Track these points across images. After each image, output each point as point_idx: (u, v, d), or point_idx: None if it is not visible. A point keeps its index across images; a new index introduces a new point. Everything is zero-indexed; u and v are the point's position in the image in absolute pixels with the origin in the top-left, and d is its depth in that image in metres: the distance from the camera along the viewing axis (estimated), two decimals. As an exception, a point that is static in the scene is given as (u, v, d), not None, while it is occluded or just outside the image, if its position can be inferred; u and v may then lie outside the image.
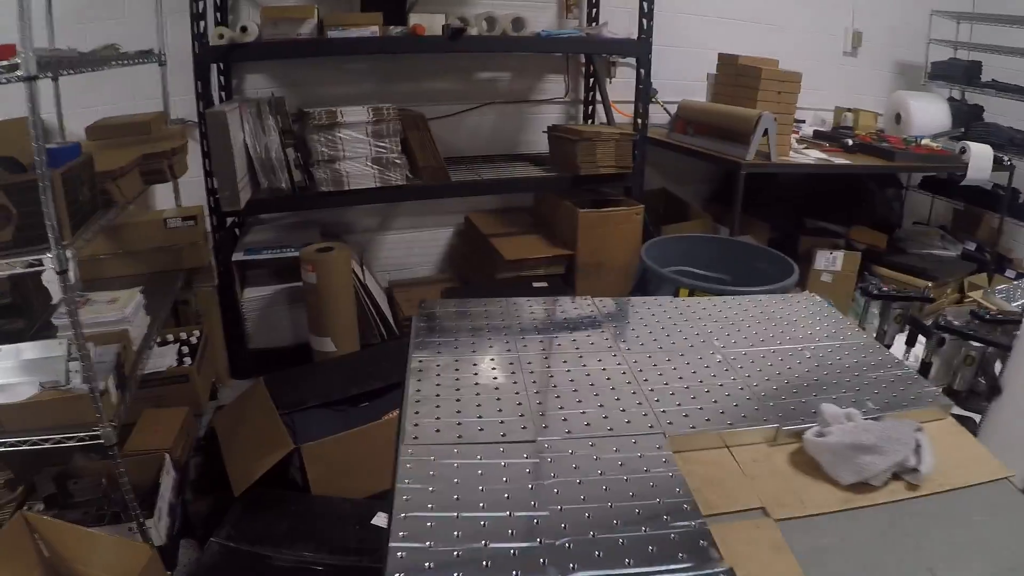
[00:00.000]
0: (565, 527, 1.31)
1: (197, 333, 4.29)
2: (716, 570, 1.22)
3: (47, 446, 2.72)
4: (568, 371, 1.89)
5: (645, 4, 4.88)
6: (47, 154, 2.40)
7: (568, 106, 5.96)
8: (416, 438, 1.58)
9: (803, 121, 6.35)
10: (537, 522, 1.33)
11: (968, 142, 5.83)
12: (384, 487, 3.41)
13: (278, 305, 4.75)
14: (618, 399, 1.74)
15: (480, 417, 1.66)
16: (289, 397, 3.67)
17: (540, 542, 1.28)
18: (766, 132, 4.76)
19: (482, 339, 2.09)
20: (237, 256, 4.59)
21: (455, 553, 1.26)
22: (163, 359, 4.00)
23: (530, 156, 5.70)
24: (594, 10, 5.63)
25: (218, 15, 4.70)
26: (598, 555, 1.26)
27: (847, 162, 5.37)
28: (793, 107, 5.18)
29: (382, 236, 5.75)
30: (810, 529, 1.40)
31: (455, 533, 1.30)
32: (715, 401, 1.74)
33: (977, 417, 2.12)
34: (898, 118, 6.53)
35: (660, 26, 5.28)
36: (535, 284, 4.82)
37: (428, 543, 1.28)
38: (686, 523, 1.33)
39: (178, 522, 3.30)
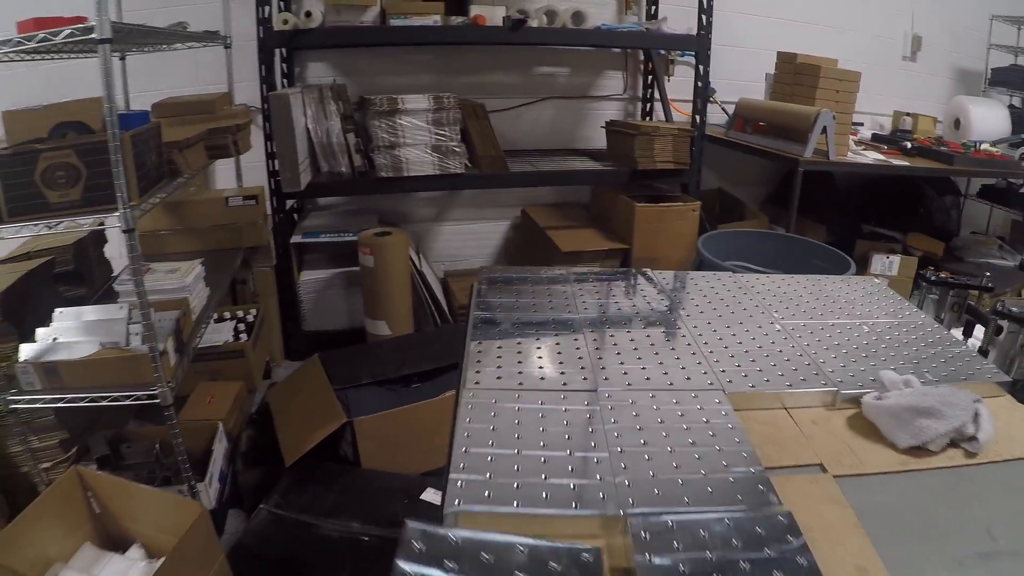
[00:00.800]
0: (624, 466, 1.32)
1: (254, 312, 4.36)
2: (775, 512, 1.22)
3: (105, 403, 2.77)
4: (628, 332, 1.90)
5: (703, 16, 4.87)
6: (118, 119, 2.45)
7: (626, 103, 5.96)
8: (478, 383, 1.60)
9: (861, 124, 6.32)
10: (598, 461, 1.34)
11: (1017, 148, 5.77)
12: (435, 466, 3.44)
13: (334, 288, 4.80)
14: (678, 358, 1.75)
15: (541, 368, 1.67)
16: (343, 374, 3.72)
17: (599, 479, 1.29)
18: (824, 130, 4.72)
19: (542, 302, 2.10)
20: (295, 238, 4.65)
21: (515, 484, 1.27)
22: (219, 335, 4.07)
23: (588, 151, 5.69)
24: (653, 7, 5.61)
25: (281, 2, 4.77)
26: (657, 493, 1.26)
27: (905, 164, 5.31)
28: (851, 106, 5.14)
29: (439, 227, 5.79)
30: (867, 487, 1.39)
31: (515, 467, 1.32)
32: (774, 364, 1.74)
33: None
34: (957, 123, 6.44)
35: (718, 26, 5.26)
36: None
37: (488, 475, 1.29)
38: (745, 469, 1.33)
39: (228, 490, 3.34)
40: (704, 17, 4.89)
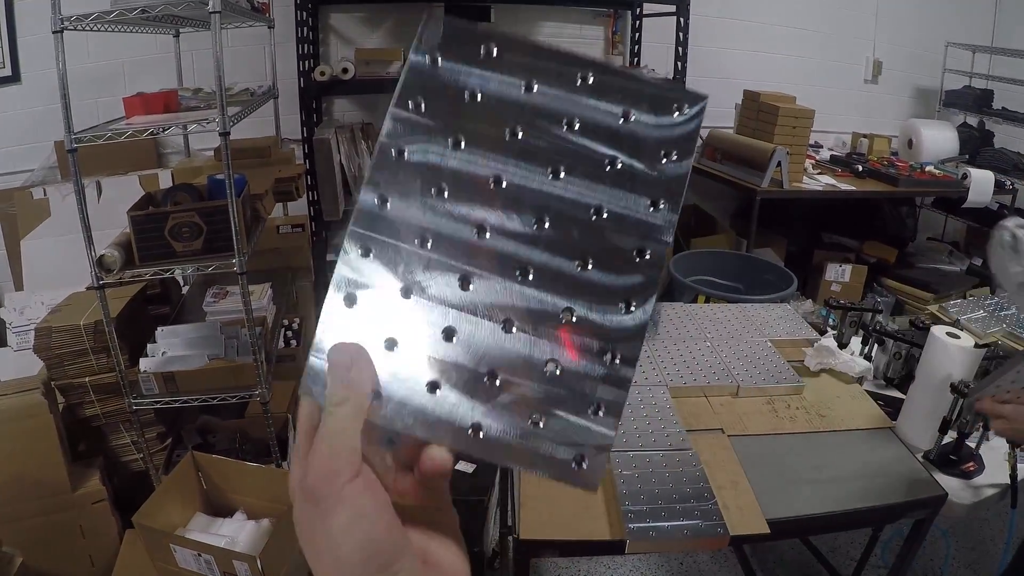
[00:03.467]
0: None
1: (298, 321, 5.16)
2: (688, 451, 2.29)
3: (214, 403, 3.65)
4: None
5: (680, 49, 5.84)
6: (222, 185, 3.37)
7: None
8: None
9: (821, 146, 7.25)
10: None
11: (970, 168, 6.64)
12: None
13: None
14: (639, 366, 2.76)
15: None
16: None
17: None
18: (779, 164, 5.69)
19: None
20: (330, 256, 5.51)
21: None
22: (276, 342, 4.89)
23: None
24: (636, 45, 6.51)
25: (309, 47, 5.54)
26: (624, 440, 2.32)
27: (853, 188, 6.24)
28: (806, 139, 6.10)
29: None
30: (747, 442, 2.46)
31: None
32: (701, 370, 2.82)
33: (904, 397, 3.03)
34: (910, 143, 7.36)
35: (696, 58, 6.24)
36: None
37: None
38: (675, 430, 2.40)
39: None
40: (679, 63, 5.86)
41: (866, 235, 7.38)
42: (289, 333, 5.08)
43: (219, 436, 4.16)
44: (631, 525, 1.99)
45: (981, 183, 6.62)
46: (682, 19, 5.98)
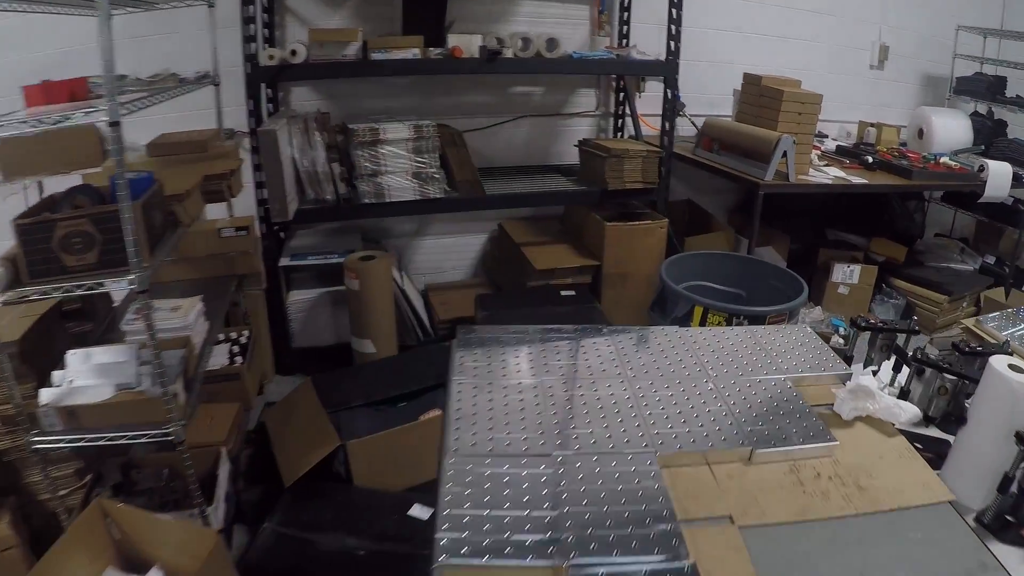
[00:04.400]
0: (569, 525, 1.71)
1: (246, 333, 4.66)
2: (683, 563, 1.61)
3: (122, 442, 3.08)
4: (582, 395, 2.27)
5: (673, 27, 5.20)
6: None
7: (599, 119, 6.30)
8: (456, 450, 1.98)
9: (826, 136, 6.70)
10: (548, 520, 1.73)
11: (987, 160, 6.04)
12: (420, 481, 3.82)
13: (321, 307, 5.14)
14: (620, 421, 2.12)
15: (508, 434, 2.05)
16: (335, 397, 4.08)
17: (549, 536, 1.67)
18: (785, 154, 5.07)
19: (511, 365, 2.48)
20: (283, 261, 4.98)
21: (484, 541, 1.65)
22: (216, 358, 4.35)
23: (562, 167, 6.05)
24: (625, 26, 5.96)
25: (265, 31, 5.05)
26: (593, 547, 1.64)
27: (864, 181, 5.64)
28: (813, 127, 5.48)
29: (420, 241, 6.11)
30: (766, 535, 1.77)
31: (485, 526, 1.69)
32: (701, 425, 2.12)
33: (952, 438, 2.44)
34: (920, 133, 6.79)
35: (690, 41, 5.61)
36: (563, 292, 5.16)
37: (465, 534, 1.67)
38: (664, 526, 1.72)
39: (232, 509, 3.68)
40: (672, 43, 5.24)
41: (873, 232, 6.86)
42: (235, 348, 4.56)
43: (144, 472, 3.61)
44: None
45: (998, 176, 5.99)
46: None
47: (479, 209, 5.73)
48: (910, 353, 2.72)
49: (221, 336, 4.57)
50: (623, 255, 5.36)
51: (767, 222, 5.74)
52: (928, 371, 2.59)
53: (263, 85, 5.06)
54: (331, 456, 3.74)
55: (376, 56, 4.72)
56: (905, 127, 7.11)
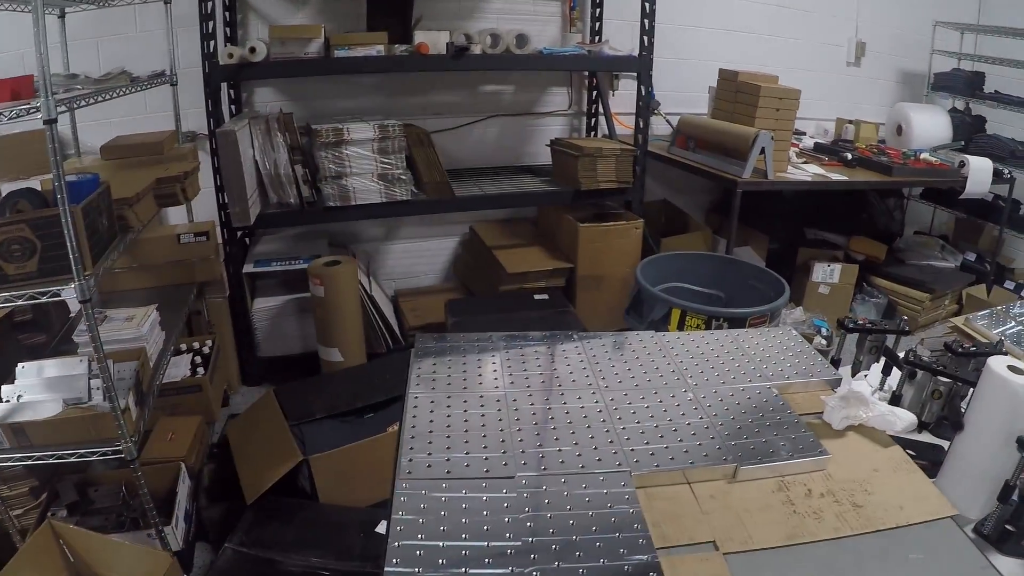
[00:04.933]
0: (534, 557, 1.53)
1: (209, 343, 4.53)
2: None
3: (71, 460, 2.94)
4: (549, 409, 2.10)
5: (646, 22, 5.09)
6: (68, 188, 2.61)
7: (572, 118, 6.21)
8: (410, 473, 1.81)
9: (804, 133, 6.60)
10: (511, 552, 1.55)
11: (968, 156, 6.01)
12: (387, 496, 3.65)
13: (287, 315, 4.99)
14: (592, 437, 1.95)
15: (467, 454, 1.88)
16: (298, 409, 3.93)
17: (512, 571, 1.50)
18: (763, 151, 4.96)
19: (473, 376, 2.31)
20: (247, 268, 4.83)
21: (439, 579, 1.48)
22: (177, 369, 4.23)
23: (534, 168, 5.96)
24: (597, 23, 5.85)
25: (227, 30, 4.92)
26: (561, 583, 1.48)
27: (844, 178, 5.57)
28: (791, 124, 5.39)
29: (388, 245, 5.99)
30: (754, 563, 1.61)
31: (440, 560, 1.52)
32: (680, 440, 1.95)
33: (946, 444, 2.29)
34: (899, 130, 6.73)
35: (665, 38, 5.58)
36: (536, 296, 5.06)
37: (417, 569, 1.50)
38: (640, 557, 1.54)
39: (193, 527, 3.55)
40: (646, 39, 5.12)
41: (852, 231, 6.82)
42: (198, 359, 4.43)
43: (100, 490, 3.48)
44: None
45: (980, 172, 5.93)
46: None
47: (448, 211, 5.63)
48: (901, 355, 2.57)
49: (183, 346, 4.45)
50: (597, 257, 5.28)
51: (745, 221, 5.64)
52: (920, 374, 2.45)
53: (225, 85, 4.95)
54: (295, 471, 3.59)
55: (339, 53, 4.59)
56: (884, 124, 7.05)
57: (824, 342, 2.92)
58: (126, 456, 2.96)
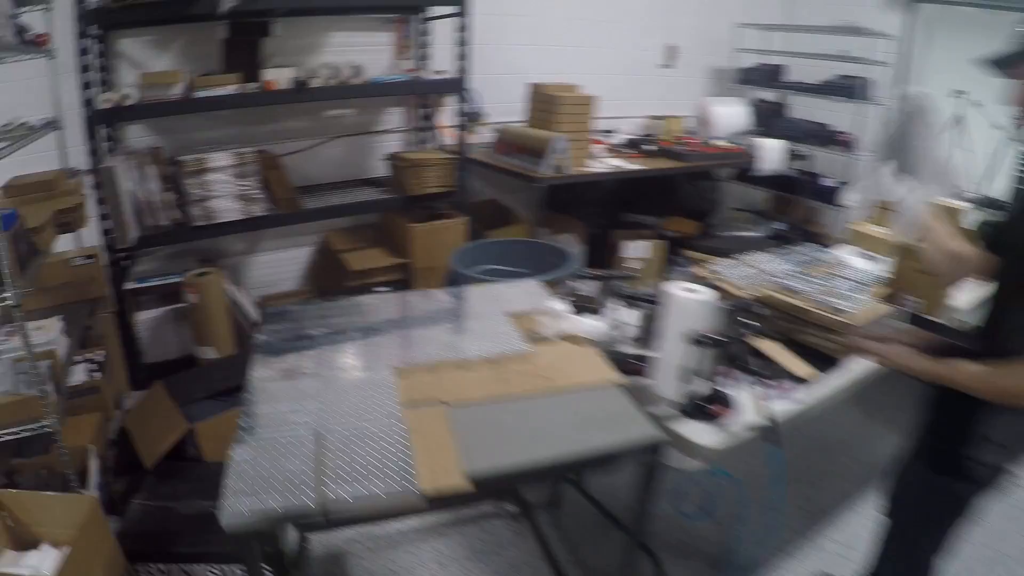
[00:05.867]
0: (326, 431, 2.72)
1: (102, 353, 5.18)
2: (399, 422, 2.64)
3: (6, 439, 3.76)
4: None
5: (462, 48, 6.21)
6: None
7: (408, 133, 7.17)
8: (251, 427, 2.74)
9: (611, 131, 7.82)
10: (305, 425, 2.69)
11: (759, 138, 7.39)
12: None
13: (167, 323, 5.83)
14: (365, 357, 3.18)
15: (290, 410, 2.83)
16: (183, 393, 4.83)
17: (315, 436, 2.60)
18: (561, 150, 6.21)
19: (298, 356, 3.29)
20: (130, 285, 5.66)
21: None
22: (76, 375, 4.88)
23: (375, 180, 6.88)
24: (426, 50, 6.88)
25: (103, 75, 5.61)
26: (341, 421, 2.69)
27: (640, 167, 6.85)
28: (586, 125, 6.65)
29: (252, 258, 6.77)
30: (469, 411, 2.77)
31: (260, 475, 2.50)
32: (432, 349, 3.22)
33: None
34: (704, 121, 7.96)
35: (489, 56, 6.75)
36: (376, 289, 6.06)
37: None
38: (391, 408, 2.76)
39: (104, 499, 4.23)
40: (462, 63, 6.26)
41: (667, 212, 7.95)
42: (94, 366, 5.13)
43: (25, 475, 4.30)
44: (333, 495, 2.26)
45: (769, 150, 7.37)
46: (464, 19, 6.25)
47: (298, 223, 6.51)
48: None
49: (79, 357, 5.01)
50: (429, 252, 6.30)
51: (566, 212, 6.85)
52: (643, 305, 3.41)
53: (102, 126, 5.61)
54: (184, 442, 4.53)
55: (200, 94, 5.44)
56: (691, 117, 8.27)
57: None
58: (51, 429, 3.78)
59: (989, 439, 2.74)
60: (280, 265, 7.06)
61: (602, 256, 6.59)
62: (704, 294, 2.91)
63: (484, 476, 2.42)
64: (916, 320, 3.66)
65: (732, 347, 3.11)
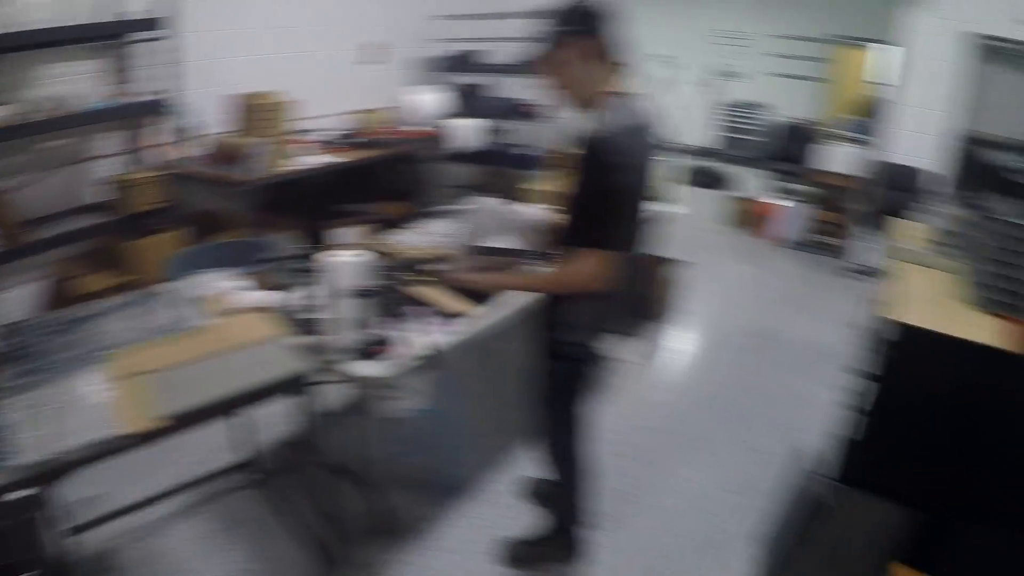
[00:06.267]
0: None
1: None
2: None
3: None
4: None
5: (171, 69, 6.91)
6: None
7: (131, 155, 7.38)
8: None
9: (314, 130, 8.49)
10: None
11: (453, 120, 8.35)
12: None
13: None
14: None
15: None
16: None
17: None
18: (259, 154, 6.89)
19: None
20: None
21: None
22: None
23: (99, 205, 7.09)
24: (132, 72, 7.16)
25: None
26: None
27: (345, 160, 7.79)
28: (281, 127, 7.39)
29: None
30: (160, 374, 3.37)
31: None
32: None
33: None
34: (404, 110, 8.85)
35: (207, 71, 7.38)
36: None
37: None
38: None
39: None
40: (171, 84, 6.95)
41: (378, 199, 8.71)
42: None
43: None
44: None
45: (463, 129, 8.40)
46: (172, 41, 6.85)
47: (25, 256, 6.48)
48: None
49: None
50: (153, 264, 6.35)
51: (286, 211, 7.49)
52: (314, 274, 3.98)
53: None
54: None
55: None
56: (395, 107, 9.05)
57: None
58: None
59: (572, 324, 3.69)
60: (15, 302, 6.94)
61: (319, 246, 7.19)
62: (361, 257, 3.59)
63: (173, 415, 3.11)
64: (486, 250, 4.42)
65: (387, 297, 3.89)
